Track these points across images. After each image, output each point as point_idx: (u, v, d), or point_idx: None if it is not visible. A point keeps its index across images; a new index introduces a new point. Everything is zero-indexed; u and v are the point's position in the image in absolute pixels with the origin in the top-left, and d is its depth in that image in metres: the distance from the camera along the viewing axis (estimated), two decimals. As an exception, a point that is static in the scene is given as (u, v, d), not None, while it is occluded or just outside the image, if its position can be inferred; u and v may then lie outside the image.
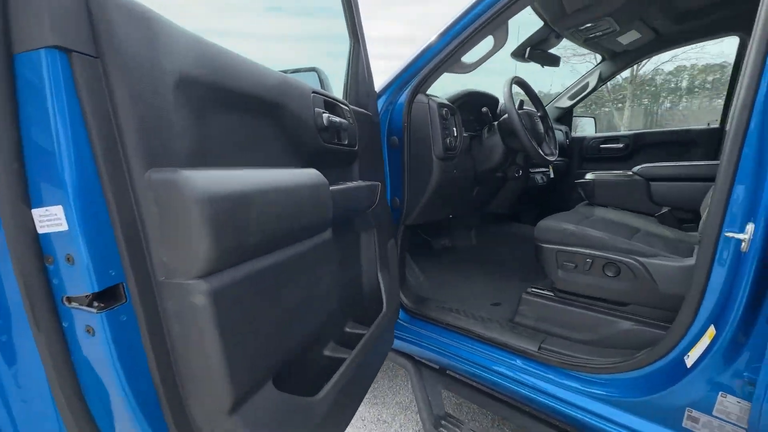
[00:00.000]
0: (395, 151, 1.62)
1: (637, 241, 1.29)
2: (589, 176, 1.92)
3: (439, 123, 1.52)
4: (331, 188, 0.87)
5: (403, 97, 1.57)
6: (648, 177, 1.73)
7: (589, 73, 2.63)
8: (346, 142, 1.09)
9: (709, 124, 2.38)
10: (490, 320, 1.48)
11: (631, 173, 1.79)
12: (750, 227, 0.82)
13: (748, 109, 0.85)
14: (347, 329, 1.17)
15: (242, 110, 0.71)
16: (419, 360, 1.60)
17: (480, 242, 2.36)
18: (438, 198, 1.66)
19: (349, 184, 1.02)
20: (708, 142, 2.30)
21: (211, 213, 0.51)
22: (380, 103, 1.62)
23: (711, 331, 0.91)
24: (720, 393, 0.89)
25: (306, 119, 0.89)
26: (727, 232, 0.87)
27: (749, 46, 0.87)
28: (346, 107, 1.12)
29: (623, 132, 2.63)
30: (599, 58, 2.57)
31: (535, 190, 2.33)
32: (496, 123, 1.71)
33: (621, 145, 2.60)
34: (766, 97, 0.83)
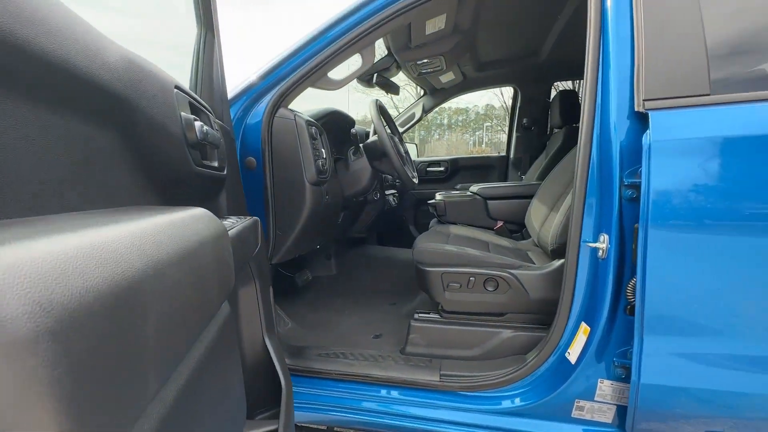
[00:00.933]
0: (252, 175, 1.32)
1: (495, 253, 1.45)
2: (438, 197, 2.11)
3: (309, 143, 1.33)
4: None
5: (261, 110, 1.30)
6: (485, 196, 2.03)
7: (414, 105, 2.96)
8: (216, 164, 0.77)
9: (499, 152, 3.05)
10: (383, 357, 1.36)
11: (471, 193, 2.06)
12: (604, 237, 1.00)
13: (589, 145, 1.03)
14: None
15: (60, 104, 0.35)
16: (301, 426, 1.33)
17: (340, 270, 2.23)
18: (310, 228, 1.44)
19: (237, 225, 0.70)
20: (501, 165, 2.93)
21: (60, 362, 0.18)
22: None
23: (585, 327, 1.06)
24: (599, 380, 1.05)
25: (170, 128, 0.55)
26: (587, 242, 1.04)
27: (583, 92, 1.07)
28: (212, 115, 0.79)
29: (444, 157, 3.06)
30: (422, 91, 2.93)
31: (391, 211, 2.40)
32: (362, 145, 1.64)
33: (442, 168, 3.02)
34: (599, 137, 1.02)
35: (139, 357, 0.25)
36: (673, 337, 0.90)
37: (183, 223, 0.38)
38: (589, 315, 1.06)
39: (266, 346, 0.93)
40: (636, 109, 0.94)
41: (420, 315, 1.43)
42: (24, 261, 0.18)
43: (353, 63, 1.40)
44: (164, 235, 0.32)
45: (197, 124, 0.61)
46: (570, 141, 2.16)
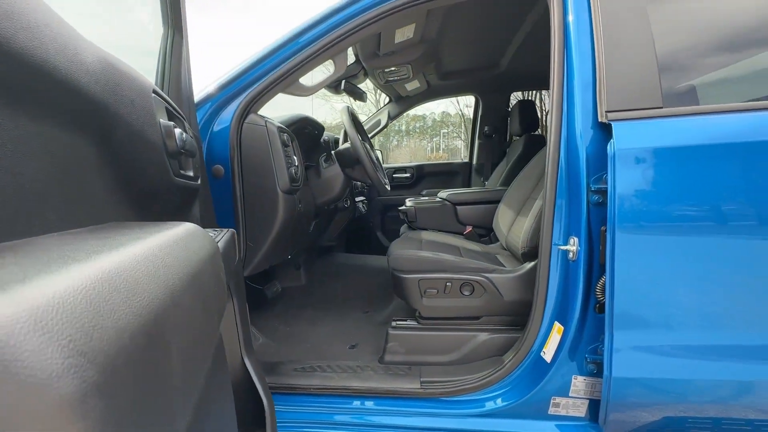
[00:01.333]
0: (220, 184, 1.25)
1: (467, 257, 1.49)
2: (408, 203, 2.12)
3: (281, 150, 1.28)
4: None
5: (229, 115, 1.25)
6: (454, 202, 2.07)
7: (380, 111, 2.97)
8: (192, 174, 0.71)
9: (462, 159, 3.14)
10: (362, 368, 1.34)
11: (440, 199, 2.10)
12: (573, 240, 1.06)
13: (557, 154, 1.09)
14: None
15: (39, 110, 0.31)
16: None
17: (310, 280, 2.17)
18: (282, 238, 1.39)
19: (221, 239, 0.66)
20: (464, 171, 3.02)
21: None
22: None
23: (559, 327, 1.11)
24: (573, 376, 1.10)
25: (149, 136, 0.50)
26: (558, 245, 1.10)
27: (550, 103, 1.13)
28: (185, 121, 0.74)
29: (409, 164, 3.10)
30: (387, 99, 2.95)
31: (360, 218, 2.38)
32: (333, 152, 1.62)
33: (408, 175, 3.06)
34: (566, 146, 1.08)
35: (167, 397, 0.22)
36: (640, 331, 0.97)
37: (183, 242, 0.35)
38: (561, 315, 1.12)
39: (246, 365, 0.88)
40: (600, 120, 1.01)
41: (397, 323, 1.43)
42: (54, 300, 0.15)
43: (325, 69, 1.38)
44: (171, 257, 0.29)
45: (177, 131, 0.57)
46: (530, 148, 2.27)
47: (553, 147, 1.10)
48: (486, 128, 2.83)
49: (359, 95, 2.20)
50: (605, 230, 1.02)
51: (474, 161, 2.99)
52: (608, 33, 1.04)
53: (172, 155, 0.55)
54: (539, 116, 2.42)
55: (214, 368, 0.47)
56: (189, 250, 0.35)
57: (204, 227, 0.89)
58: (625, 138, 0.95)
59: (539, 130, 2.42)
